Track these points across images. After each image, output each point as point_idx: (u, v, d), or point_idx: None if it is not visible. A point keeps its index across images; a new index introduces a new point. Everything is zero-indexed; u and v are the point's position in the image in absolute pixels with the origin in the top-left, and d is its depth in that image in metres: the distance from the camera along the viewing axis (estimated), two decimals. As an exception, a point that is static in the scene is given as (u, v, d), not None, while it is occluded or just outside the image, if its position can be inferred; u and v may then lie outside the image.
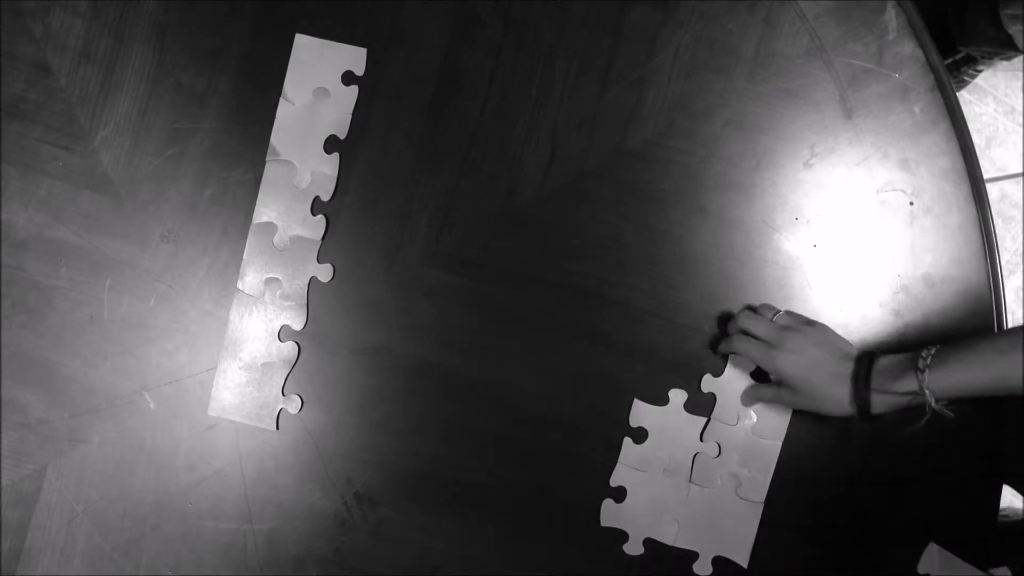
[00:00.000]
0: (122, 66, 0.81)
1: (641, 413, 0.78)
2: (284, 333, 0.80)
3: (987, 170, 1.44)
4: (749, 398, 0.77)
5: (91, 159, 0.81)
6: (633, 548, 0.77)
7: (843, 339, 0.74)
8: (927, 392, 0.66)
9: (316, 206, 0.80)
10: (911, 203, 0.80)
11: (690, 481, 0.78)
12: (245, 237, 0.80)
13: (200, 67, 0.81)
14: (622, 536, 0.77)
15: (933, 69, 0.80)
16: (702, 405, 0.78)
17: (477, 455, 0.78)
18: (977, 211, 0.79)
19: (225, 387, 0.79)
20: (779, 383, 0.74)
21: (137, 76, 0.81)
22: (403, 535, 0.78)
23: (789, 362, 0.72)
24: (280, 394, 0.79)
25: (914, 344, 0.71)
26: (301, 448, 0.79)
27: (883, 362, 0.70)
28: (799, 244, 0.80)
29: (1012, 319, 1.37)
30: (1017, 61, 1.40)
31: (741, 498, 0.77)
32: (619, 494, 0.78)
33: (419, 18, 0.81)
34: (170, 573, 0.78)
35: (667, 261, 0.80)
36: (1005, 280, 0.80)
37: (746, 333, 0.75)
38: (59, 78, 0.81)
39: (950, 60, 1.36)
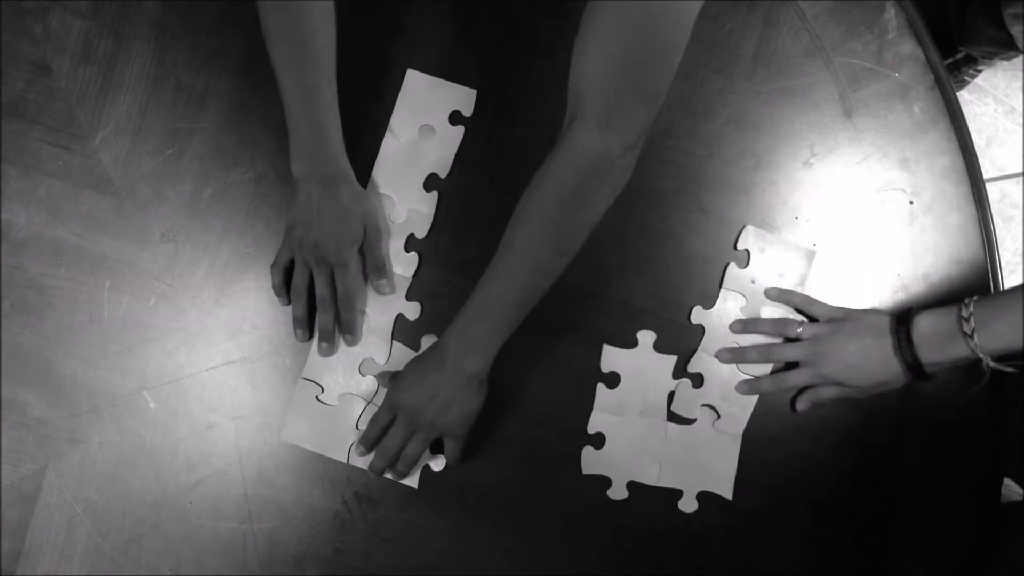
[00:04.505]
0: (122, 66, 0.81)
1: (611, 357, 0.78)
2: (365, 367, 0.79)
3: (987, 170, 1.44)
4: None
5: (91, 159, 0.81)
6: (617, 492, 0.77)
7: (869, 313, 0.75)
8: (983, 356, 0.67)
9: (410, 243, 0.80)
10: (911, 202, 0.80)
11: (667, 420, 0.78)
12: (245, 236, 0.80)
13: (200, 67, 0.81)
14: (605, 482, 0.77)
15: (933, 69, 0.80)
16: (671, 344, 0.78)
17: (477, 455, 0.78)
18: (977, 211, 0.79)
19: (300, 414, 0.78)
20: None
21: (137, 76, 0.81)
22: (403, 535, 0.78)
23: (837, 371, 0.73)
24: (355, 427, 0.78)
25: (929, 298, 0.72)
26: (301, 448, 0.79)
27: (923, 326, 0.70)
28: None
29: (1012, 319, 1.37)
30: (1017, 61, 1.40)
31: (719, 432, 0.77)
32: (598, 441, 0.78)
33: (418, 16, 0.81)
34: (170, 573, 0.78)
35: (667, 261, 0.80)
36: (1005, 280, 0.80)
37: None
38: (59, 78, 0.81)
39: (950, 60, 1.36)
